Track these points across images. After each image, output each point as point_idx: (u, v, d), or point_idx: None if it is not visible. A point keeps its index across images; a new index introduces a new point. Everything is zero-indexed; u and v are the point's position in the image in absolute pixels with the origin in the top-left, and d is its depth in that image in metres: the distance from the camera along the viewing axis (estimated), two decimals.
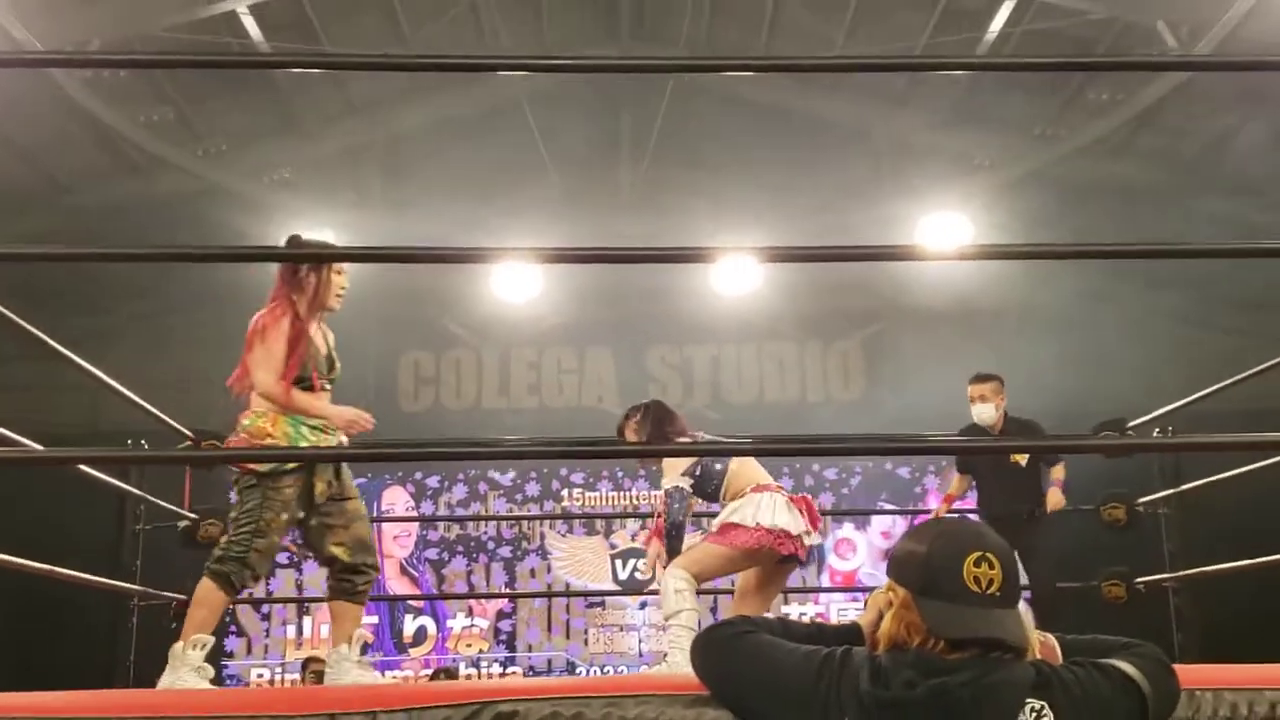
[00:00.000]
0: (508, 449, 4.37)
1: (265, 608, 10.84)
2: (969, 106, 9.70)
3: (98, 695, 2.37)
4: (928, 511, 7.72)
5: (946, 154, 10.16)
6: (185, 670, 3.52)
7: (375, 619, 10.56)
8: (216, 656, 10.31)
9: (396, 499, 11.06)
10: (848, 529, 11.20)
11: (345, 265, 3.95)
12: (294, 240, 3.85)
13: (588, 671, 10.57)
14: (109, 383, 4.91)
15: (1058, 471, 5.91)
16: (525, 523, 11.12)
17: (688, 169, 10.52)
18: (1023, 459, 6.00)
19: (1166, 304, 10.45)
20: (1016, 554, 1.91)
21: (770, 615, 3.73)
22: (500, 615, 11.02)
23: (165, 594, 5.93)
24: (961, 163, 10.17)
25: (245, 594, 10.45)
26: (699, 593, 4.18)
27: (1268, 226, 8.51)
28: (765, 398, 11.72)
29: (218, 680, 4.32)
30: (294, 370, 3.71)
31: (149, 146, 9.31)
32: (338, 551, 3.81)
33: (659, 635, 10.58)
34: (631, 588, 10.97)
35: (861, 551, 11.13)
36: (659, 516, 4.33)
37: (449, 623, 10.93)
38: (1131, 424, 5.69)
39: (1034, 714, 1.75)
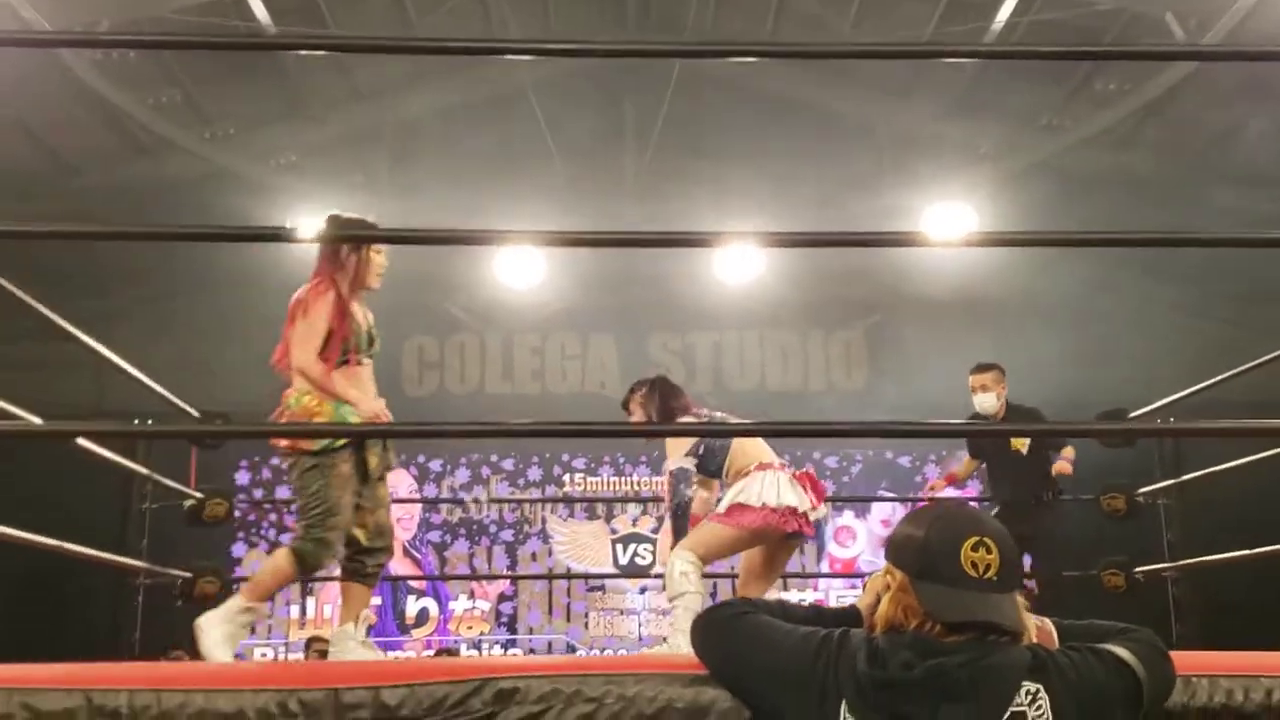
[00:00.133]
0: (512, 428, 4.38)
1: None
2: (974, 97, 9.69)
3: (103, 667, 2.39)
4: (928, 496, 7.75)
5: (951, 144, 10.15)
6: (220, 627, 3.59)
7: (378, 600, 10.60)
8: None
9: (400, 481, 11.09)
10: (848, 517, 11.25)
11: (384, 245, 3.98)
12: (333, 220, 3.86)
13: (588, 654, 10.62)
14: (116, 362, 4.93)
15: (1068, 451, 5.97)
16: (527, 507, 11.16)
17: (692, 158, 10.51)
18: (1024, 447, 6.06)
19: (1170, 295, 10.46)
20: (1020, 541, 1.93)
21: (771, 596, 3.76)
22: (502, 598, 11.08)
23: (171, 571, 5.97)
24: (966, 153, 10.16)
25: (250, 571, 10.54)
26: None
27: (1275, 217, 8.50)
28: (767, 385, 11.74)
29: None
30: (336, 350, 3.73)
31: (157, 129, 9.32)
32: (359, 533, 3.84)
33: (659, 619, 10.62)
34: (632, 572, 11.02)
35: (861, 539, 11.17)
36: (668, 501, 4.33)
37: (451, 604, 10.99)
38: (1133, 414, 5.71)
39: (1029, 697, 1.77)
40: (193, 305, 10.73)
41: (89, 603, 8.20)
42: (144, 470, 5.92)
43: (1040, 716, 1.76)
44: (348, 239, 3.93)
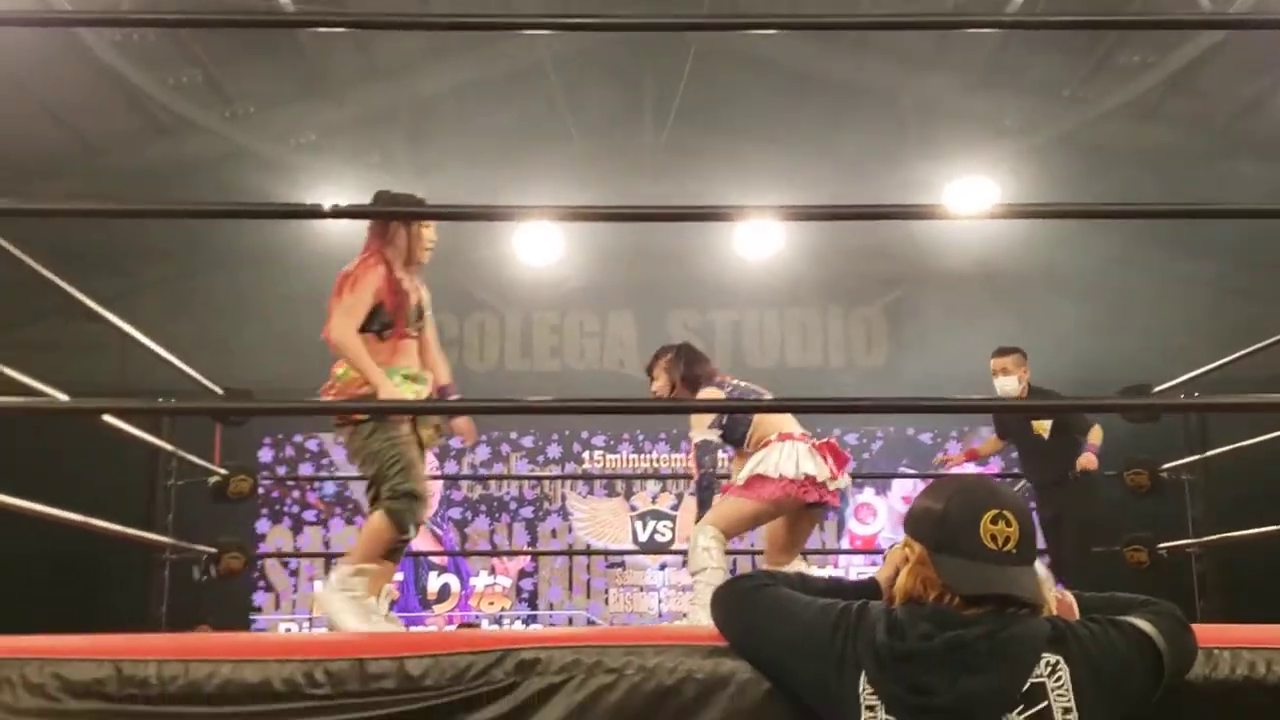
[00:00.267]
0: (533, 405, 4.41)
1: (293, 563, 10.99)
2: (997, 69, 9.59)
3: (132, 638, 2.43)
4: (944, 471, 7.76)
5: (974, 117, 10.06)
6: (340, 594, 3.61)
7: (400, 575, 10.67)
8: (245, 611, 10.51)
9: None
10: (868, 493, 11.23)
11: (430, 221, 4.06)
12: (381, 196, 3.93)
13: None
14: (140, 340, 4.97)
15: (1094, 436, 5.95)
16: (547, 484, 11.19)
17: (711, 133, 10.47)
18: (1045, 431, 6.07)
19: (1194, 269, 10.37)
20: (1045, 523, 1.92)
21: (790, 569, 3.77)
22: (522, 574, 11.14)
23: (196, 547, 6.03)
24: (989, 126, 10.07)
25: (274, 547, 10.63)
26: None
27: None
28: (787, 363, 11.72)
29: None
30: (402, 322, 3.83)
31: (177, 108, 9.34)
32: None
33: (678, 595, 10.66)
34: (651, 549, 11.06)
35: (882, 516, 11.16)
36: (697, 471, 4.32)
37: (472, 580, 11.05)
38: (1156, 389, 5.68)
39: (1049, 668, 1.78)
40: (211, 285, 10.78)
41: (116, 578, 8.30)
42: (169, 447, 5.98)
43: (1060, 687, 1.76)
44: (364, 214, 3.96)
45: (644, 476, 11.29)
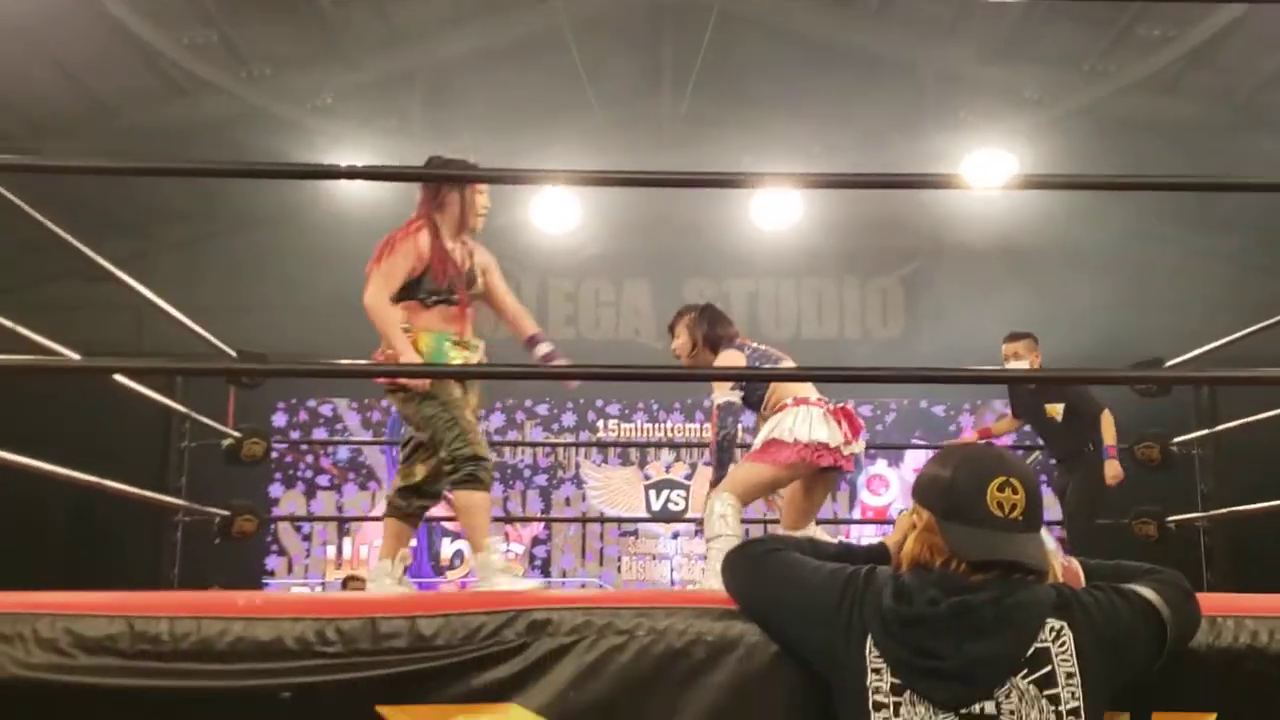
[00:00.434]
0: (549, 369, 4.41)
1: (306, 528, 11.05)
2: (1017, 41, 9.50)
3: (145, 595, 2.45)
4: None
5: (994, 88, 9.98)
6: (496, 572, 3.68)
7: (414, 541, 10.71)
8: (257, 575, 10.58)
9: None
10: (881, 465, 11.24)
11: (485, 185, 4.01)
12: (434, 160, 3.89)
13: None
14: (156, 302, 4.99)
15: (1109, 434, 5.94)
16: (561, 452, 11.21)
17: (730, 101, 10.42)
18: (1058, 414, 6.11)
19: (1212, 245, 10.31)
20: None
21: (802, 534, 3.78)
22: (535, 541, 11.19)
23: (208, 509, 6.07)
24: (1010, 97, 10.00)
25: (287, 511, 10.68)
26: None
27: None
28: (803, 334, 11.69)
29: None
30: (450, 289, 3.79)
31: (193, 69, 9.33)
32: (421, 470, 3.89)
33: (691, 564, 10.70)
34: (664, 518, 11.09)
35: (894, 487, 11.17)
36: (714, 434, 4.32)
37: None
38: (1168, 363, 5.67)
39: (1054, 634, 1.79)
40: (230, 246, 10.81)
41: (129, 540, 8.37)
42: (182, 409, 6.01)
43: (1064, 653, 1.78)
44: (380, 176, 3.96)
45: (658, 445, 11.30)
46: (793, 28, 9.89)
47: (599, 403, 11.46)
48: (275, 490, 11.01)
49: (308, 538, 11.09)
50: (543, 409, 11.42)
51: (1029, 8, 8.96)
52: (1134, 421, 6.24)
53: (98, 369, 4.20)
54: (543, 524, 11.17)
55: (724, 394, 4.27)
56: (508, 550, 11.08)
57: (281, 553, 11.00)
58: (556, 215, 10.35)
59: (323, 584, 10.75)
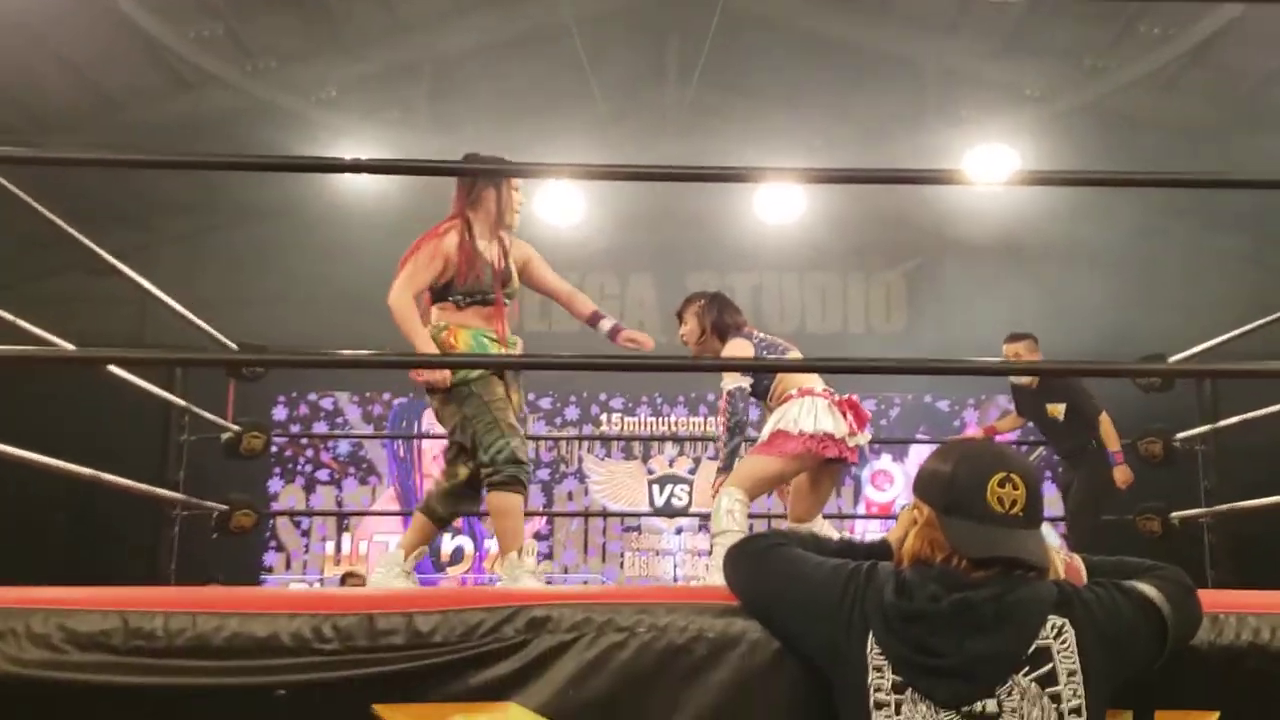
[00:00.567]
0: (555, 360, 4.40)
1: (305, 523, 11.03)
2: (1019, 37, 9.49)
3: (140, 590, 2.44)
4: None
5: (995, 85, 9.97)
6: (524, 574, 3.66)
7: None
8: (255, 570, 10.57)
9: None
10: (885, 460, 11.23)
11: (519, 181, 3.99)
12: (470, 157, 3.85)
13: None
14: (156, 294, 4.98)
15: (1110, 439, 5.93)
16: (564, 446, 11.20)
17: (734, 96, 10.40)
18: (1060, 414, 6.12)
19: (1214, 241, 10.29)
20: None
21: (807, 528, 3.76)
22: (538, 536, 11.17)
23: (207, 503, 6.05)
24: (1010, 93, 9.98)
25: (286, 506, 10.66)
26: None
27: None
28: (806, 328, 11.68)
29: None
30: (484, 289, 3.76)
31: (199, 62, 9.32)
32: (464, 471, 3.86)
33: (694, 559, 10.69)
34: (667, 513, 11.07)
35: (899, 483, 11.16)
36: (721, 418, 4.31)
37: (486, 543, 11.08)
38: (1171, 359, 5.66)
39: (1055, 630, 1.78)
40: (232, 239, 10.80)
41: (127, 533, 8.35)
42: (181, 402, 5.99)
43: (1065, 650, 1.76)
44: (385, 169, 3.93)
45: (662, 439, 11.29)
46: (796, 22, 9.87)
47: (603, 396, 11.46)
48: (274, 485, 11.00)
49: (306, 533, 11.08)
50: (546, 402, 11.41)
51: (1031, 4, 8.94)
52: (1137, 417, 6.23)
53: (92, 359, 4.17)
54: (545, 519, 11.15)
55: (734, 380, 4.26)
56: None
57: (280, 548, 10.99)
58: (561, 209, 10.32)
59: (321, 579, 10.74)
